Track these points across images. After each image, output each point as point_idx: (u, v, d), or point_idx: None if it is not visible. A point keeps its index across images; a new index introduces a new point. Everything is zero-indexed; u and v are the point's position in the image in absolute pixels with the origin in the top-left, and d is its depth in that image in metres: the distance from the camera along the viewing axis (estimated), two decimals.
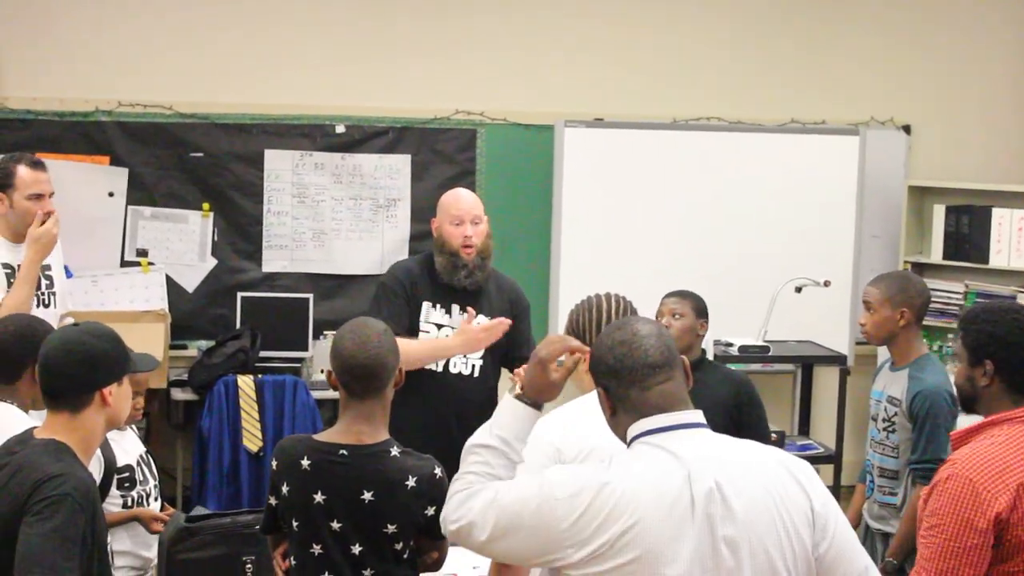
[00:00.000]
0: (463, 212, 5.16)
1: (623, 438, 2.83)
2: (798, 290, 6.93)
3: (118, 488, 4.48)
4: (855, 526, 4.87)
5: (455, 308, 5.15)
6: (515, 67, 7.89)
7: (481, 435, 2.99)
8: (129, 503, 4.51)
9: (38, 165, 5.36)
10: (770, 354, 6.83)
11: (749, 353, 6.80)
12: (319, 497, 3.54)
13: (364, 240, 7.74)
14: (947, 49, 8.40)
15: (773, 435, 6.53)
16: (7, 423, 3.63)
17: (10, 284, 5.23)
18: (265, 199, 7.63)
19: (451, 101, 7.79)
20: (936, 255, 7.97)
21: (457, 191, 5.39)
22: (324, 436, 3.64)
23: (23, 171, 5.27)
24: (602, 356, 2.84)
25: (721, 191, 7.70)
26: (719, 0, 8.16)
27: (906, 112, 8.32)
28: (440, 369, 5.10)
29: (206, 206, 7.57)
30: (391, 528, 3.54)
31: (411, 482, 3.55)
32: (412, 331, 5.10)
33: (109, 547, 3.37)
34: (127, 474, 4.52)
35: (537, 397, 3.01)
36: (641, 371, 2.78)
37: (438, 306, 5.16)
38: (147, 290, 7.51)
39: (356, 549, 3.54)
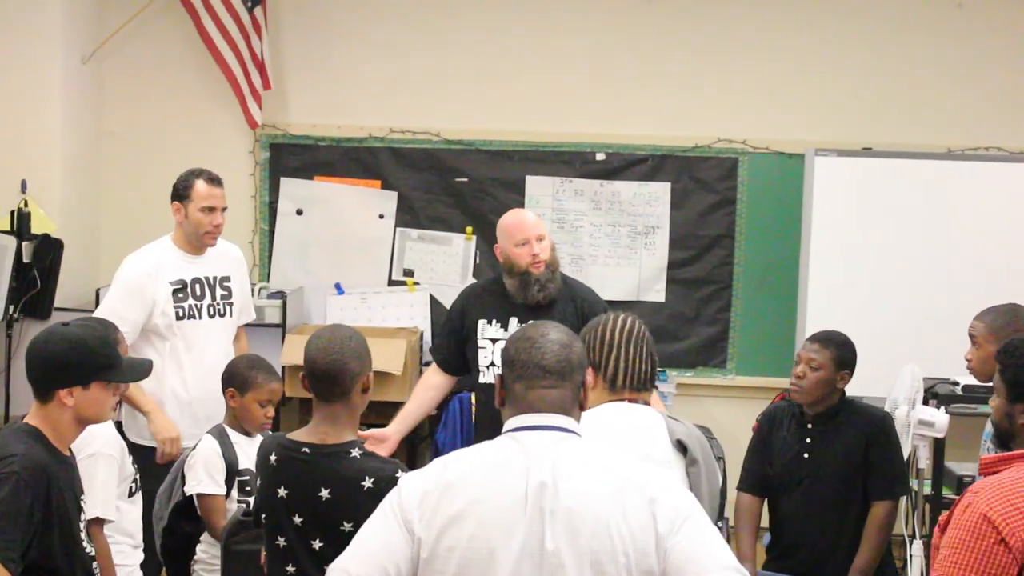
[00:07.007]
0: (528, 232, 5.22)
1: None
2: None
3: (238, 491, 4.79)
4: None
5: (513, 321, 5.21)
6: (777, 95, 7.76)
7: None
8: (248, 506, 4.79)
9: (215, 181, 5.72)
10: None
11: (974, 394, 6.36)
12: (282, 491, 3.69)
13: (621, 267, 7.80)
14: None
15: None
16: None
17: (175, 301, 5.60)
18: None
19: (712, 129, 7.75)
20: None
21: (516, 212, 5.49)
22: (294, 435, 3.79)
23: (200, 185, 5.65)
24: (507, 347, 2.90)
25: (989, 224, 7.25)
26: (994, 19, 7.66)
27: None
28: (483, 380, 5.25)
29: (469, 229, 7.89)
30: (347, 526, 3.62)
31: (368, 483, 3.63)
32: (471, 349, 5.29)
33: (83, 525, 3.66)
34: (247, 477, 4.79)
35: None
36: (532, 370, 2.81)
37: (494, 321, 5.27)
38: (412, 308, 7.90)
39: (316, 544, 3.66)
